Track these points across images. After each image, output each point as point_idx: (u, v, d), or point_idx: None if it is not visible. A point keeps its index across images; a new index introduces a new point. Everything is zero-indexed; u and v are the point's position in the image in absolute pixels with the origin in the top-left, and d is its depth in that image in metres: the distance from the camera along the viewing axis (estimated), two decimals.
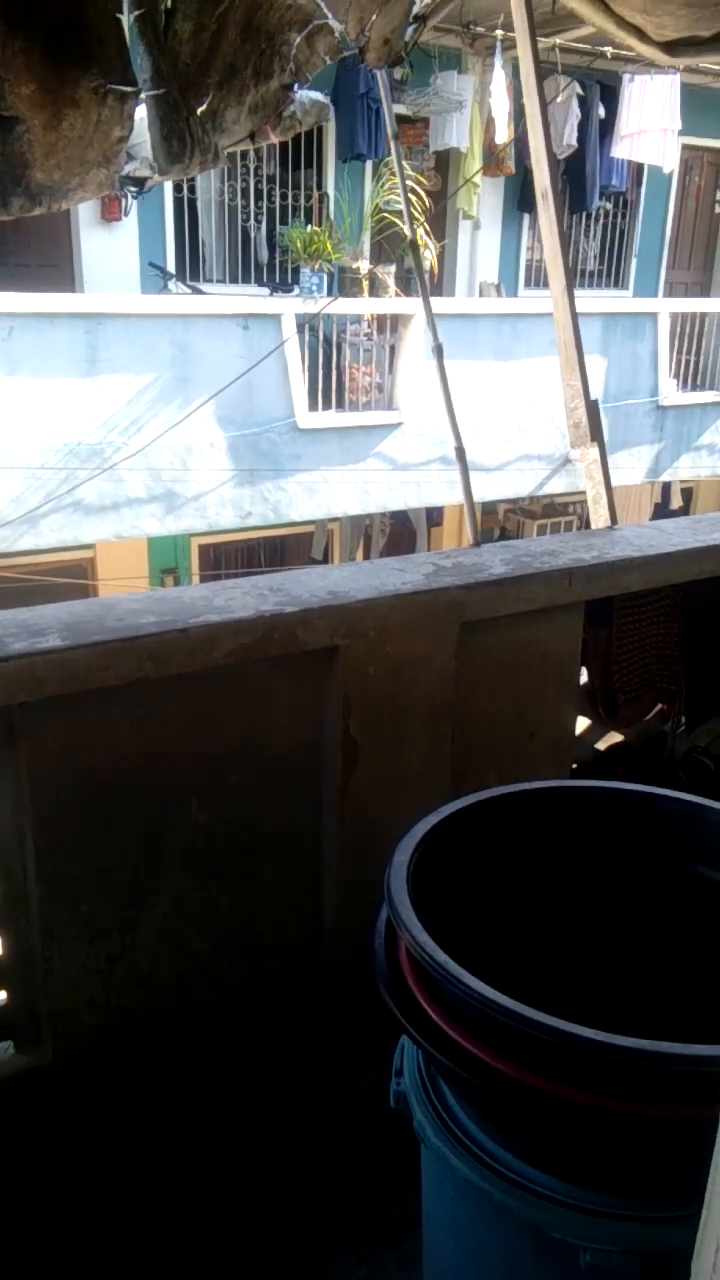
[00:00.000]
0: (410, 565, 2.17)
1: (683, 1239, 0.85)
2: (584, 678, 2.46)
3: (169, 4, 1.82)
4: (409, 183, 7.98)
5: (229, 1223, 1.85)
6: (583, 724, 2.52)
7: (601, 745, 2.56)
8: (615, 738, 2.56)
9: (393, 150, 2.46)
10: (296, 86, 2.19)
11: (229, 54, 1.99)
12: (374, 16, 2.01)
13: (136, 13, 1.80)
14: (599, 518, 2.49)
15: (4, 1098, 1.88)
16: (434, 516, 10.83)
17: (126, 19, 1.79)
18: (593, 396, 2.50)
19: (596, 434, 2.46)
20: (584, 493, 2.54)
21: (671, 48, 2.69)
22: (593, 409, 2.44)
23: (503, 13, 2.30)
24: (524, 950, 1.43)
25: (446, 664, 2.08)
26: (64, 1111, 1.93)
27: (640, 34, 2.66)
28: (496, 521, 12.02)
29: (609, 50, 6.77)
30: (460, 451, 2.43)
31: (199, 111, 2.02)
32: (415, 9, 2.13)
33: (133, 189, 6.46)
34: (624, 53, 2.67)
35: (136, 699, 1.79)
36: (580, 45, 7.79)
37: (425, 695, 2.08)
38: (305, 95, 2.24)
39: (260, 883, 2.07)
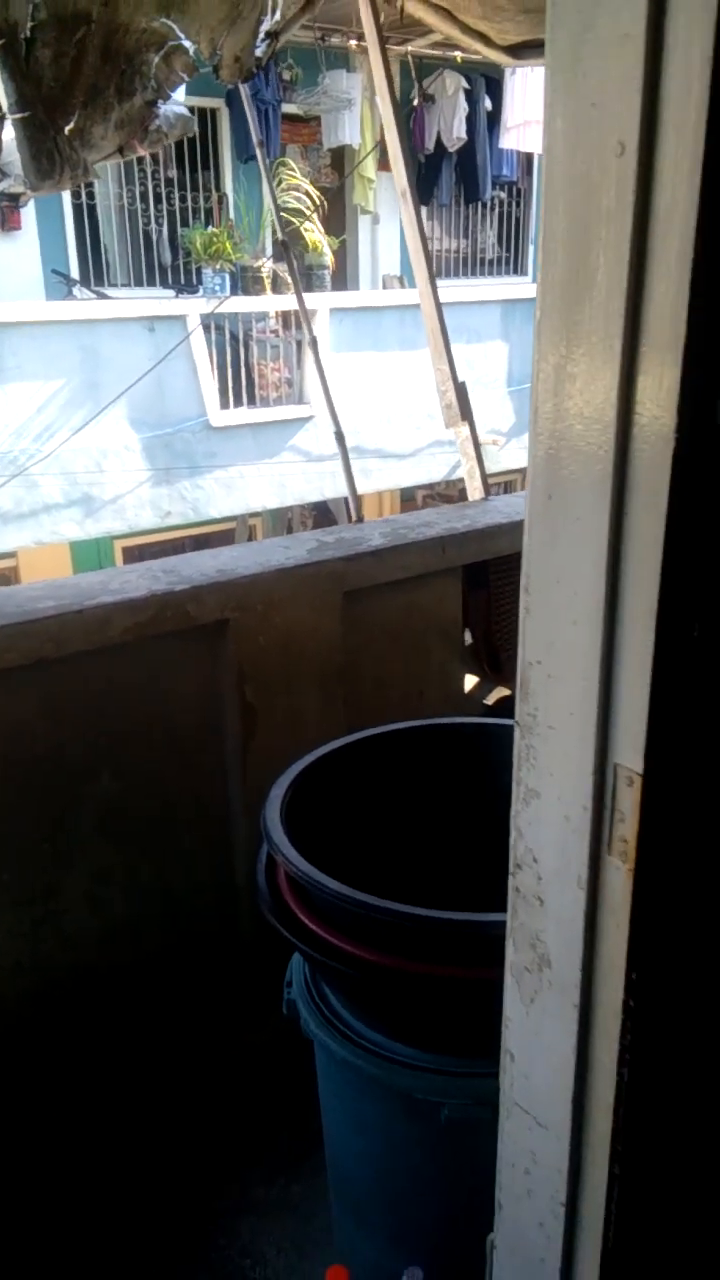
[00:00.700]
0: (296, 542, 2.35)
1: None
2: (469, 638, 2.65)
3: (28, 33, 1.96)
4: (304, 181, 8.15)
5: (159, 1157, 2.01)
6: (471, 681, 2.71)
7: (490, 700, 2.76)
8: (503, 692, 2.77)
9: (260, 158, 2.61)
10: (160, 102, 2.34)
11: (91, 76, 2.14)
12: (224, 37, 2.17)
13: None
14: (474, 490, 2.69)
15: None
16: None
17: None
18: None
19: (466, 414, 2.65)
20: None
21: (515, 51, 2.89)
22: (461, 390, 2.63)
23: (380, 13, 2.43)
24: (394, 863, 1.61)
25: (333, 631, 2.26)
26: None
27: (485, 39, 2.86)
28: (415, 507, 12.24)
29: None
30: (340, 437, 2.61)
31: (66, 130, 2.16)
32: (265, 27, 2.29)
33: (8, 204, 6.51)
34: (475, 55, 2.83)
35: (40, 678, 1.93)
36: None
37: (315, 662, 2.25)
38: (169, 109, 2.38)
39: (175, 845, 2.23)
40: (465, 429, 2.68)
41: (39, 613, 1.88)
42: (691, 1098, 0.88)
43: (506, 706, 2.79)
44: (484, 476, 2.66)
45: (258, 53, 2.26)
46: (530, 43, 2.96)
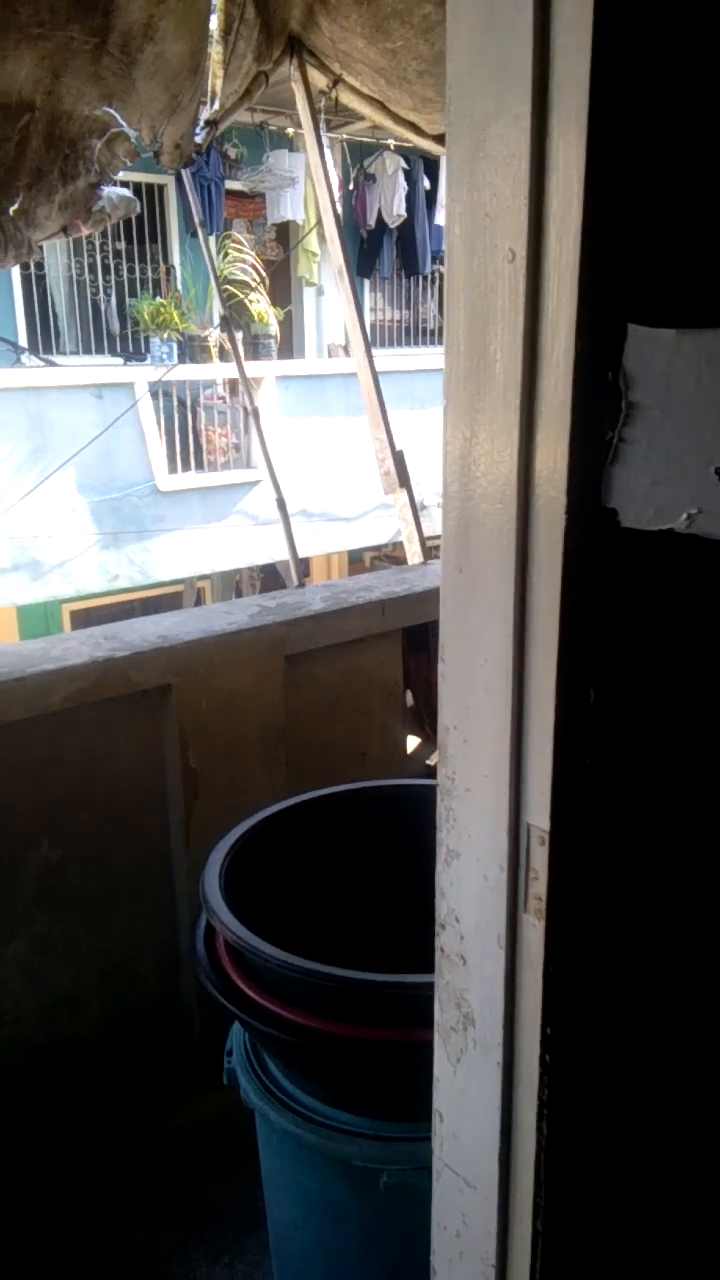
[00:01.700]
0: (237, 607, 2.38)
1: None
2: (410, 700, 2.69)
3: None
4: (250, 255, 8.36)
5: (100, 1235, 1.95)
6: (414, 742, 2.75)
7: (432, 760, 2.79)
8: None
9: (201, 235, 2.70)
10: (102, 184, 2.41)
11: (35, 160, 2.21)
12: (165, 125, 2.26)
13: None
14: (413, 554, 2.75)
15: None
16: (302, 567, 11.11)
17: None
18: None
19: (404, 480, 2.72)
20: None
21: (444, 139, 3.03)
22: (399, 458, 2.71)
23: (324, 98, 2.56)
24: (335, 926, 1.62)
25: (275, 694, 2.28)
26: None
27: (416, 129, 3.00)
28: (364, 568, 12.38)
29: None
30: (281, 503, 2.66)
31: (11, 210, 2.23)
32: (205, 115, 2.39)
33: None
34: (406, 144, 2.99)
35: None
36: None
37: (257, 724, 2.27)
38: (113, 191, 2.46)
39: (117, 913, 2.21)
40: (403, 495, 2.75)
41: None
42: (613, 1151, 0.89)
43: None
44: (423, 540, 2.73)
45: (197, 139, 2.36)
46: None
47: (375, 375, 2.69)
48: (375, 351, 9.34)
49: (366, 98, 2.92)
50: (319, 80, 2.89)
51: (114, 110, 2.19)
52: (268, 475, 8.52)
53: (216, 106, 2.42)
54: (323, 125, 2.93)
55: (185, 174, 2.67)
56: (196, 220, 2.76)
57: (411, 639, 2.59)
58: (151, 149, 2.31)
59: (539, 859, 0.80)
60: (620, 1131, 0.87)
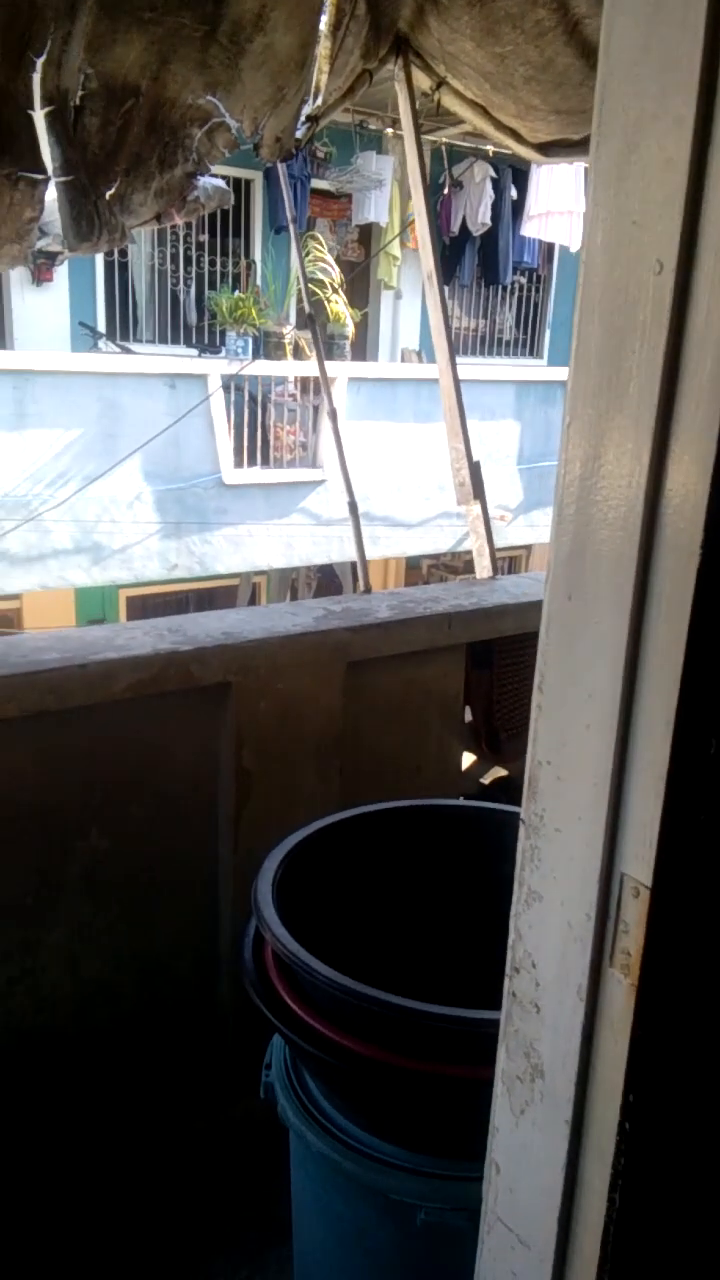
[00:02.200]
0: (302, 609, 2.35)
1: None
2: (469, 716, 2.64)
3: (78, 101, 2.02)
4: (328, 256, 8.36)
5: (121, 1236, 1.93)
6: (469, 759, 2.69)
7: (486, 779, 2.74)
8: (500, 772, 2.74)
9: (291, 231, 2.68)
10: (199, 174, 2.40)
11: (135, 145, 2.20)
12: (267, 118, 2.24)
13: (48, 109, 2.00)
14: (482, 568, 2.70)
15: None
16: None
17: (38, 114, 1.98)
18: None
19: (479, 492, 2.67)
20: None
21: (545, 149, 2.98)
22: (475, 469, 2.66)
23: (425, 100, 2.54)
24: (383, 945, 1.58)
25: (334, 701, 2.24)
26: None
27: (516, 136, 2.95)
28: (420, 576, 12.32)
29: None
30: (353, 505, 2.63)
31: (107, 195, 2.22)
32: (307, 110, 2.36)
33: (44, 261, 6.69)
34: (505, 150, 2.96)
35: (38, 730, 1.91)
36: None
37: (314, 729, 2.23)
38: (208, 181, 2.45)
39: (159, 908, 2.18)
40: (477, 507, 2.70)
41: (43, 664, 1.87)
42: (687, 1227, 0.84)
43: (503, 786, 2.76)
44: (493, 554, 2.68)
45: (298, 134, 2.33)
46: (560, 141, 3.05)
47: (458, 383, 2.64)
48: None
49: (469, 102, 2.88)
50: (422, 82, 2.85)
51: (217, 100, 2.17)
52: (333, 475, 8.53)
53: (319, 102, 2.40)
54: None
55: (281, 168, 2.65)
56: (289, 216, 2.74)
57: (475, 654, 2.53)
58: (251, 141, 2.28)
59: (631, 911, 0.75)
60: (697, 1208, 0.82)
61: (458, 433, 2.67)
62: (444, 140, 7.74)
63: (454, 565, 11.65)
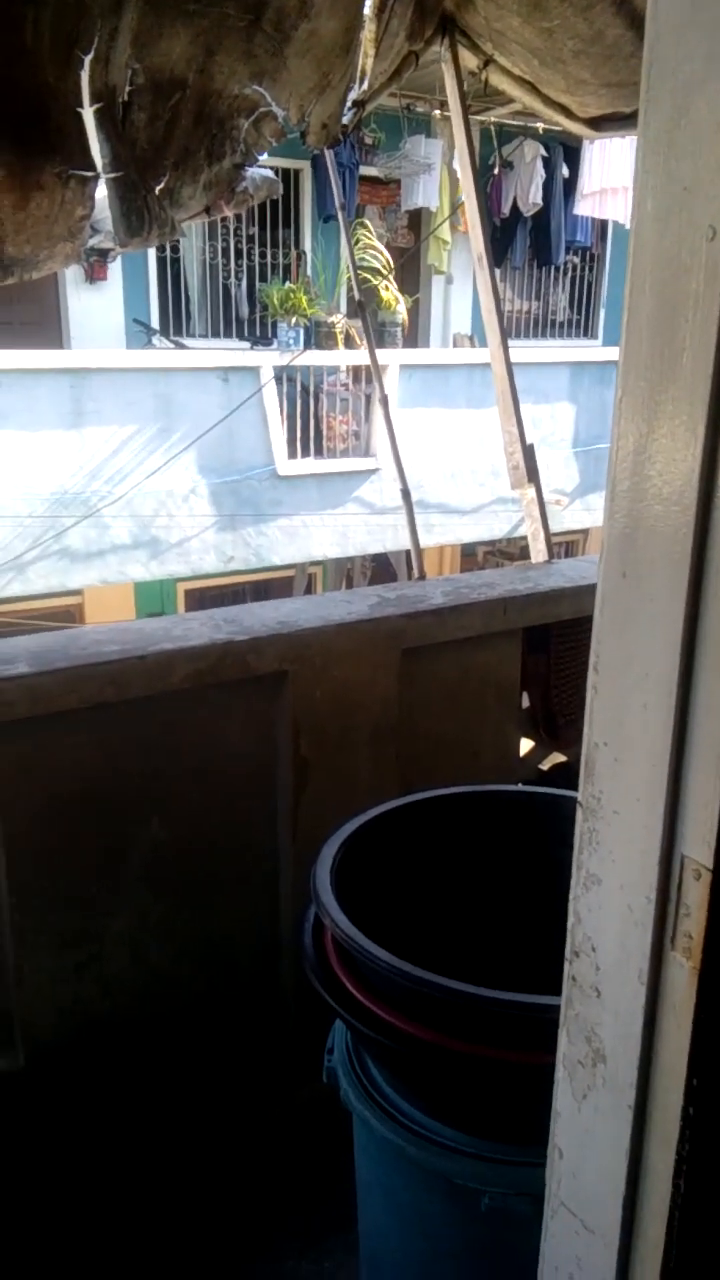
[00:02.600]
0: (357, 597, 2.35)
1: None
2: (526, 701, 2.62)
3: (125, 97, 2.04)
4: (378, 243, 8.32)
5: (191, 1215, 1.96)
6: (527, 745, 2.67)
7: (545, 765, 2.71)
8: (558, 758, 2.72)
9: (340, 219, 2.67)
10: (247, 165, 2.40)
11: (183, 139, 2.21)
12: (313, 105, 2.23)
13: (96, 106, 2.02)
14: (538, 553, 2.67)
15: None
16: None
17: (86, 112, 2.00)
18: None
19: (533, 476, 2.64)
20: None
21: (596, 123, 2.93)
22: (529, 452, 2.63)
23: (473, 79, 2.51)
24: (439, 930, 1.57)
25: (390, 688, 2.24)
26: (36, 1114, 2.05)
27: (566, 111, 2.90)
28: (476, 563, 12.24)
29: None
30: (405, 493, 2.62)
31: (156, 190, 2.24)
32: (353, 95, 2.35)
33: (96, 259, 6.77)
34: (556, 128, 2.91)
35: (99, 721, 1.95)
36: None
37: (370, 717, 2.23)
38: (256, 172, 2.45)
39: (219, 896, 2.21)
40: (531, 490, 2.67)
41: (103, 656, 1.90)
42: None
43: (562, 772, 2.74)
44: (548, 539, 2.65)
45: (344, 120, 2.32)
46: (611, 115, 2.99)
47: (509, 366, 2.61)
48: None
49: (517, 79, 2.84)
50: (469, 61, 2.82)
51: (264, 89, 2.17)
52: (386, 464, 8.51)
53: (365, 86, 2.38)
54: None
55: (329, 155, 2.64)
56: (337, 204, 2.73)
57: (531, 639, 2.51)
58: (298, 129, 2.28)
59: (693, 894, 0.74)
60: None
61: (511, 416, 2.64)
62: (493, 120, 7.64)
63: (509, 551, 11.55)
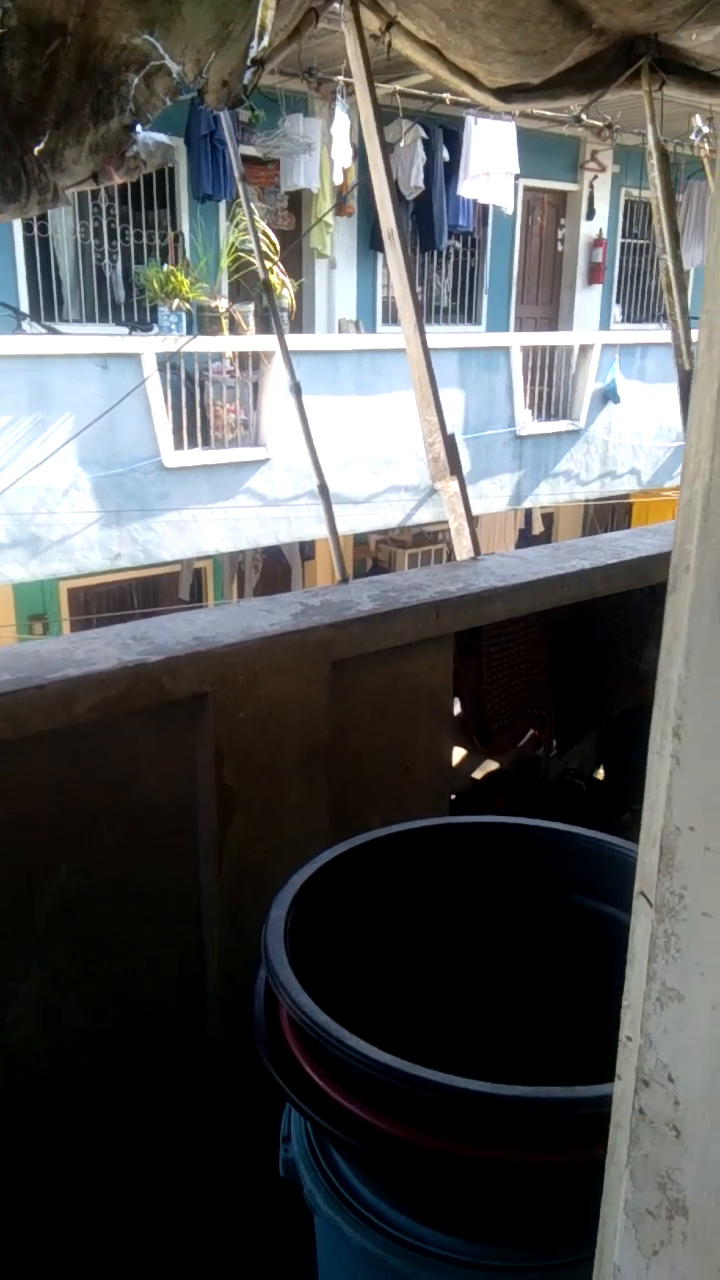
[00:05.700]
0: (278, 605, 2.14)
1: None
2: (457, 708, 2.47)
3: None
4: (261, 224, 8.05)
5: None
6: (459, 754, 2.53)
7: (478, 774, 2.57)
8: (491, 766, 2.58)
9: (241, 192, 2.45)
10: (139, 127, 2.16)
11: (64, 93, 1.95)
12: (211, 58, 2.00)
13: None
14: (462, 549, 2.52)
15: None
16: (307, 550, 10.86)
17: None
18: (451, 429, 2.54)
19: (455, 467, 2.49)
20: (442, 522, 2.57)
21: (503, 94, 2.78)
22: (450, 443, 2.47)
23: (344, 59, 2.35)
24: (410, 993, 1.40)
25: (319, 704, 2.05)
26: None
27: (473, 80, 2.75)
28: (369, 553, 12.13)
29: (448, 96, 6.99)
30: (323, 488, 2.43)
31: (35, 150, 1.97)
32: (253, 53, 2.13)
33: None
34: (461, 98, 2.78)
35: None
36: (420, 91, 8.04)
37: (299, 738, 2.04)
38: (149, 136, 2.21)
39: (141, 946, 1.98)
40: (454, 484, 2.52)
41: None
42: None
43: (495, 781, 2.60)
44: (474, 534, 2.50)
45: (245, 79, 2.10)
46: (519, 86, 2.85)
47: (427, 351, 2.44)
48: (386, 330, 9.10)
49: (422, 44, 2.66)
50: (370, 24, 2.63)
51: (155, 40, 1.93)
52: (277, 454, 8.26)
53: (265, 43, 2.16)
54: (370, 81, 2.66)
55: (226, 123, 2.41)
56: (237, 176, 2.50)
57: (461, 642, 2.36)
58: (195, 87, 2.05)
59: None
60: None
61: (429, 404, 2.48)
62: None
63: (402, 540, 11.49)
